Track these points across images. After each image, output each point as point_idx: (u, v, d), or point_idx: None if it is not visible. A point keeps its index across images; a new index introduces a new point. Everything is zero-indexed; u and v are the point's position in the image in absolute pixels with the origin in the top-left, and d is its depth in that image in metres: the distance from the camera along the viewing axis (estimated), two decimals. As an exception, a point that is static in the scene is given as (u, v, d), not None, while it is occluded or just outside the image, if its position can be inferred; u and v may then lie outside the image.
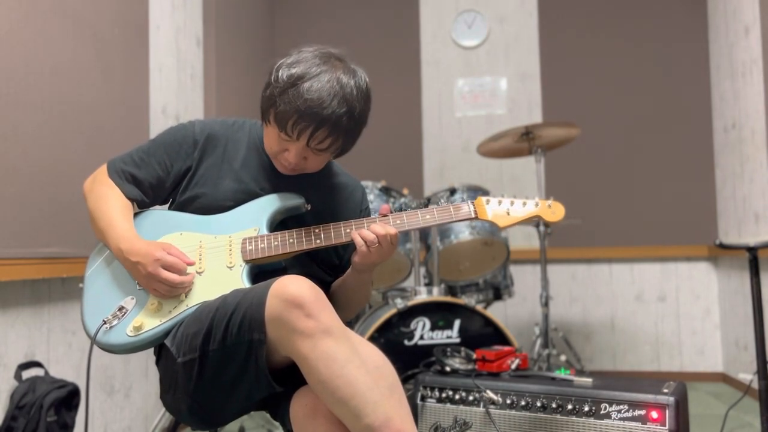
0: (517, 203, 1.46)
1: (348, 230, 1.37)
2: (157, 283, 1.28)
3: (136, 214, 1.44)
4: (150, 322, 1.28)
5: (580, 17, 4.02)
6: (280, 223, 1.43)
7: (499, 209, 1.45)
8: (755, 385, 2.12)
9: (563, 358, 3.10)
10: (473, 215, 1.43)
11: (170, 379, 1.29)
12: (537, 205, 1.46)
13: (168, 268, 1.28)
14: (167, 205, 1.50)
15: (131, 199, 1.43)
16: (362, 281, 1.46)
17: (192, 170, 1.44)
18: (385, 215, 1.39)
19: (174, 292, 1.29)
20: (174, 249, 1.32)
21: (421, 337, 2.36)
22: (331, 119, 1.28)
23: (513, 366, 1.97)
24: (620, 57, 3.96)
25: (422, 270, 2.89)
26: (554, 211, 1.47)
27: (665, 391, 1.68)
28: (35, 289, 2.00)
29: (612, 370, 3.87)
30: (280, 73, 1.31)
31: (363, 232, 1.34)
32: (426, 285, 2.83)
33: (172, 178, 1.44)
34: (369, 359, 1.15)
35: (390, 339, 2.33)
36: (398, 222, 1.39)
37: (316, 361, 1.09)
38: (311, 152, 1.35)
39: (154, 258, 1.28)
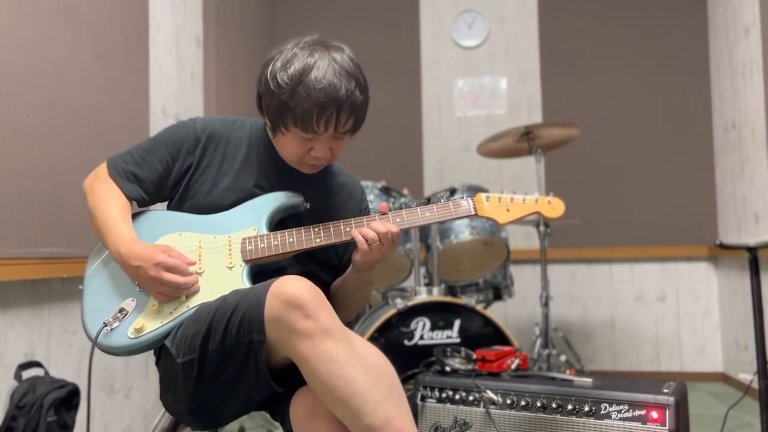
0: (516, 199, 1.44)
1: (348, 229, 1.37)
2: (160, 286, 1.28)
3: (135, 215, 1.44)
4: (151, 324, 1.28)
5: (580, 17, 4.02)
6: (279, 222, 1.43)
7: (498, 205, 1.44)
8: (755, 385, 2.12)
9: (563, 358, 3.10)
10: (473, 212, 1.42)
11: (170, 380, 1.28)
12: (536, 201, 1.45)
13: (170, 270, 1.28)
14: (166, 205, 1.49)
15: (132, 199, 1.42)
16: (363, 280, 1.46)
17: (193, 168, 1.43)
18: (384, 213, 1.39)
19: (178, 293, 1.29)
20: (174, 251, 1.32)
21: (421, 337, 2.36)
22: (348, 98, 1.30)
23: (513, 366, 1.96)
24: (620, 57, 3.96)
25: (422, 270, 2.89)
26: (554, 207, 1.46)
27: (665, 391, 1.67)
28: (35, 289, 2.00)
29: (612, 370, 3.87)
30: (279, 79, 1.30)
31: (364, 231, 1.34)
32: (426, 285, 2.83)
33: (173, 177, 1.43)
34: (368, 359, 1.15)
35: (390, 339, 2.33)
36: (398, 220, 1.38)
37: (316, 361, 1.09)
38: (335, 140, 1.36)
39: (155, 262, 1.27)
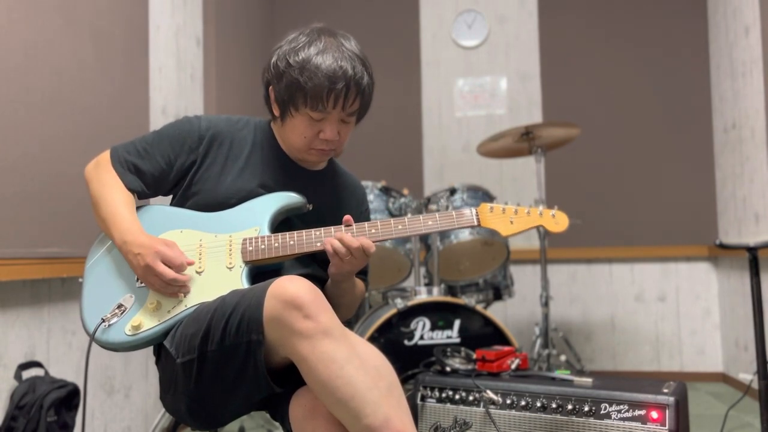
0: (520, 211, 1.44)
1: (349, 234, 1.37)
2: (152, 276, 1.28)
3: (137, 208, 1.44)
4: (148, 322, 1.28)
5: (580, 17, 4.02)
6: (283, 221, 1.43)
7: (502, 217, 1.44)
8: (755, 385, 2.12)
9: (563, 358, 3.10)
10: (476, 223, 1.42)
11: (170, 380, 1.29)
12: (541, 214, 1.45)
13: (166, 262, 1.28)
14: (169, 200, 1.49)
15: (132, 191, 1.42)
16: (343, 290, 1.46)
17: (196, 166, 1.43)
18: (348, 225, 1.38)
19: (168, 288, 1.29)
20: (176, 248, 1.32)
21: (421, 337, 2.36)
22: (355, 77, 1.34)
23: (513, 366, 1.96)
24: (620, 57, 3.96)
25: (422, 270, 2.89)
26: (557, 222, 1.46)
27: (665, 391, 1.68)
28: (35, 289, 2.00)
29: (612, 370, 3.87)
30: (289, 59, 1.35)
31: (334, 244, 1.33)
32: (426, 285, 2.83)
33: (174, 172, 1.43)
34: (368, 359, 1.15)
35: (390, 339, 2.33)
36: (400, 227, 1.39)
37: (316, 361, 1.09)
38: (343, 123, 1.39)
39: (154, 250, 1.28)
